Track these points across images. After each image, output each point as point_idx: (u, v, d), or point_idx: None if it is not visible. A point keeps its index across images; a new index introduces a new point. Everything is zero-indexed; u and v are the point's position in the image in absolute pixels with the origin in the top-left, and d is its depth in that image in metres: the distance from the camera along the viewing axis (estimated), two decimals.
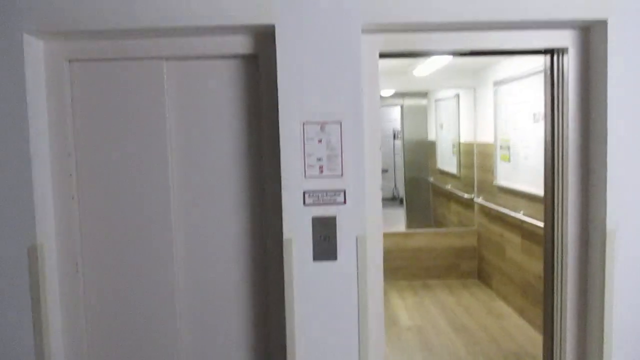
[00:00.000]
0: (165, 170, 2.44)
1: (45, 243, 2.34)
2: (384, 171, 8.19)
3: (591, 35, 2.40)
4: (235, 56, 2.42)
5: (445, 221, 6.73)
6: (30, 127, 2.26)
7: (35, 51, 2.32)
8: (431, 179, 7.27)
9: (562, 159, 2.50)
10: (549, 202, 2.59)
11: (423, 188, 7.50)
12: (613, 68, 2.30)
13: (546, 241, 2.63)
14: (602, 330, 2.37)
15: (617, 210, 2.33)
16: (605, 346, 2.36)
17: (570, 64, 2.43)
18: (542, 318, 2.68)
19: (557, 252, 2.54)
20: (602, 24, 2.31)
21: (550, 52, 2.50)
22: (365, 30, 2.34)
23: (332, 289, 2.32)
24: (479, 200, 5.51)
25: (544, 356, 2.70)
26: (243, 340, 2.54)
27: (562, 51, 2.47)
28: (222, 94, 2.44)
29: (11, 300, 2.31)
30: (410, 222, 7.10)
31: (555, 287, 2.57)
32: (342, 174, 2.30)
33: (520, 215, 4.40)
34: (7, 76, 2.23)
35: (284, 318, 2.35)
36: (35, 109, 2.31)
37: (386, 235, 2.49)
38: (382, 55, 2.44)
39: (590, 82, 2.42)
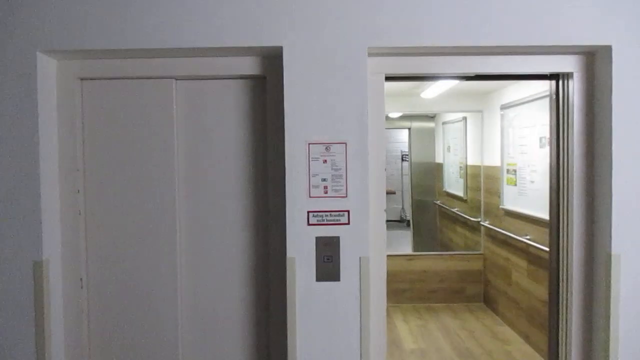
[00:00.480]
0: (172, 188, 2.46)
1: (51, 258, 2.36)
2: (392, 193, 8.19)
3: (596, 61, 2.42)
4: (243, 77, 2.46)
5: (452, 244, 6.70)
6: (41, 143, 2.30)
7: (48, 69, 2.37)
8: (438, 202, 7.26)
9: (567, 183, 2.50)
10: (554, 226, 2.58)
11: (430, 210, 7.49)
12: (618, 93, 2.31)
13: (551, 265, 2.62)
14: (608, 355, 2.34)
15: (621, 235, 2.32)
16: None
17: (575, 89, 2.45)
18: (547, 343, 2.65)
19: (562, 277, 2.53)
20: (607, 50, 2.33)
21: (555, 77, 2.53)
22: (372, 54, 2.37)
23: (335, 310, 2.32)
24: (485, 223, 5.49)
25: None
26: (244, 356, 2.53)
27: (567, 76, 2.49)
28: (229, 113, 2.48)
29: (15, 313, 2.32)
30: (417, 245, 7.08)
31: (560, 312, 2.55)
32: (346, 195, 2.31)
33: (526, 240, 4.38)
34: (20, 93, 2.28)
35: (285, 337, 2.35)
36: (46, 126, 2.35)
37: (391, 258, 2.50)
38: (388, 78, 2.47)
39: (595, 107, 2.43)
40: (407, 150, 7.69)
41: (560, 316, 2.55)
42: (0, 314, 2.32)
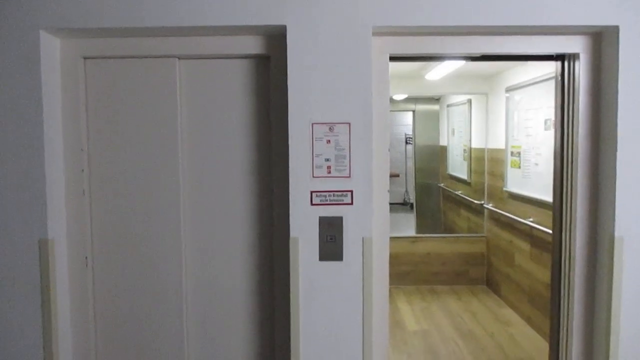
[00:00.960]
0: (176, 167, 2.46)
1: (56, 237, 2.38)
2: (396, 176, 8.18)
3: (603, 42, 2.40)
4: (247, 56, 2.45)
5: (455, 227, 6.71)
6: (45, 122, 2.30)
7: (52, 48, 2.36)
8: (442, 185, 7.26)
9: (572, 165, 2.49)
10: (558, 208, 2.58)
11: (434, 193, 7.49)
12: (624, 74, 2.29)
13: (554, 247, 2.62)
14: (609, 337, 2.35)
15: (625, 217, 2.32)
16: (611, 354, 2.35)
17: (581, 70, 2.43)
18: (549, 324, 2.67)
19: (565, 259, 2.53)
20: (614, 30, 2.30)
21: (561, 58, 2.50)
22: (376, 33, 2.35)
23: (337, 289, 2.33)
24: (489, 206, 5.49)
25: None
26: (248, 336, 2.55)
27: (573, 57, 2.46)
28: (233, 93, 2.47)
29: (22, 291, 2.35)
30: (420, 228, 7.08)
31: (562, 294, 2.56)
32: (350, 175, 2.31)
33: (529, 222, 4.38)
34: (24, 72, 2.28)
35: (289, 316, 2.37)
36: (50, 105, 2.35)
37: (395, 240, 2.50)
38: (393, 58, 2.46)
39: (601, 89, 2.41)
40: (411, 133, 7.66)
41: (562, 298, 2.56)
42: (7, 292, 2.35)
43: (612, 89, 2.33)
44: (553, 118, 2.59)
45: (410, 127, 7.71)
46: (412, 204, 7.61)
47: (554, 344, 2.62)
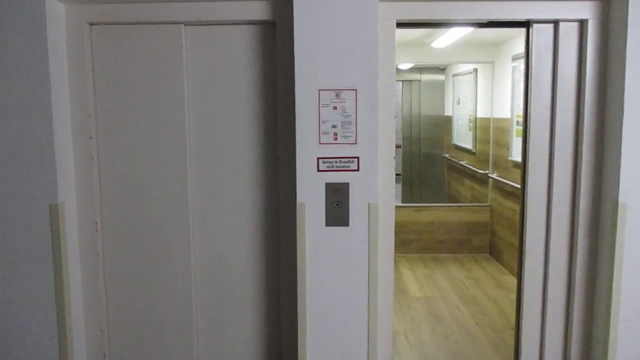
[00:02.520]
0: (182, 133, 2.48)
1: (67, 202, 2.42)
2: (398, 147, 8.19)
3: (612, 8, 2.37)
4: (252, 22, 2.44)
5: (459, 197, 6.73)
6: (52, 89, 2.31)
7: (57, 14, 2.36)
8: (446, 155, 7.26)
9: (578, 133, 2.49)
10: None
11: (438, 163, 7.50)
12: (632, 41, 2.27)
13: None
14: (609, 305, 2.39)
15: (629, 184, 2.33)
16: (612, 317, 2.39)
17: (589, 36, 2.41)
18: None
19: (568, 225, 2.56)
20: None
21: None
22: None
23: (344, 254, 2.37)
24: (494, 175, 5.50)
25: None
26: (255, 301, 2.61)
27: (581, 23, 2.44)
28: (239, 59, 2.47)
29: (34, 256, 2.39)
30: (406, 197, 7.15)
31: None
32: (356, 142, 2.32)
33: None
34: (30, 39, 2.28)
35: (295, 280, 2.41)
36: (57, 72, 2.35)
37: (399, 209, 2.53)
38: (400, 25, 2.44)
39: (608, 56, 2.40)
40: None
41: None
42: (19, 256, 2.39)
43: (619, 56, 2.32)
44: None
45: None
46: (398, 174, 7.63)
47: None
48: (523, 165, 2.57)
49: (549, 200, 2.53)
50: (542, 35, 2.46)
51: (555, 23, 2.46)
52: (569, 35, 2.46)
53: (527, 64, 2.52)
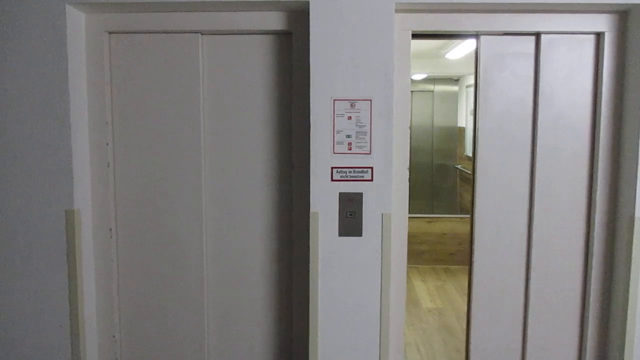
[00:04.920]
0: (198, 141, 2.50)
1: (82, 208, 2.44)
2: None
3: (629, 20, 2.36)
4: (269, 32, 2.46)
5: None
6: (71, 96, 2.34)
7: (77, 23, 2.39)
8: (459, 166, 7.23)
9: (594, 146, 2.48)
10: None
11: (450, 174, 7.47)
12: None
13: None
14: (626, 317, 2.36)
15: None
16: (627, 334, 2.36)
17: (606, 49, 2.40)
18: None
19: (584, 240, 2.53)
20: None
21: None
22: (399, 10, 2.34)
23: (356, 265, 2.37)
24: None
25: None
26: (266, 309, 2.61)
27: (598, 36, 2.43)
28: (255, 69, 2.49)
29: (48, 260, 2.41)
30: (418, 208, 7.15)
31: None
32: (370, 152, 2.33)
33: None
34: (50, 47, 2.31)
35: (307, 290, 2.41)
36: (76, 80, 2.39)
37: (411, 220, 2.52)
38: (415, 36, 2.45)
39: (626, 69, 2.39)
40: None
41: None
42: (34, 262, 2.42)
43: (636, 69, 2.30)
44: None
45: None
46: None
47: None
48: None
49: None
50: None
51: (572, 35, 2.46)
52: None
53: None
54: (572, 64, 2.45)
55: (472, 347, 2.60)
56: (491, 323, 2.57)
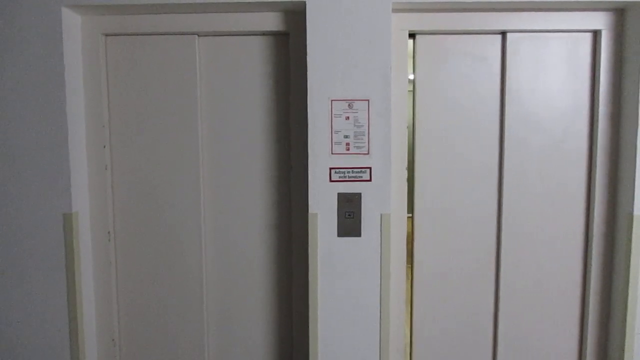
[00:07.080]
0: (195, 141, 2.49)
1: (80, 211, 2.43)
2: None
3: (626, 18, 2.36)
4: (266, 33, 2.45)
5: None
6: (67, 98, 2.33)
7: (73, 25, 2.38)
8: None
9: (592, 144, 2.48)
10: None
11: None
12: None
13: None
14: (625, 318, 2.36)
15: None
16: (627, 332, 2.36)
17: (603, 47, 2.40)
18: None
19: (583, 237, 2.53)
20: (638, 6, 2.27)
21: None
22: (396, 10, 2.34)
23: (356, 265, 2.36)
24: None
25: None
26: (266, 310, 2.60)
27: (595, 34, 2.43)
28: (252, 70, 2.48)
29: (46, 263, 2.40)
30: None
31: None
32: (368, 152, 2.32)
33: None
34: (46, 49, 2.31)
35: (307, 290, 2.40)
36: (73, 82, 2.38)
37: (410, 219, 2.52)
38: (412, 36, 2.44)
39: (623, 67, 2.39)
40: None
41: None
42: (32, 265, 2.40)
43: (634, 67, 2.30)
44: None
45: None
46: None
47: None
48: None
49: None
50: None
51: (570, 33, 2.46)
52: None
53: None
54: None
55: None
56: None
